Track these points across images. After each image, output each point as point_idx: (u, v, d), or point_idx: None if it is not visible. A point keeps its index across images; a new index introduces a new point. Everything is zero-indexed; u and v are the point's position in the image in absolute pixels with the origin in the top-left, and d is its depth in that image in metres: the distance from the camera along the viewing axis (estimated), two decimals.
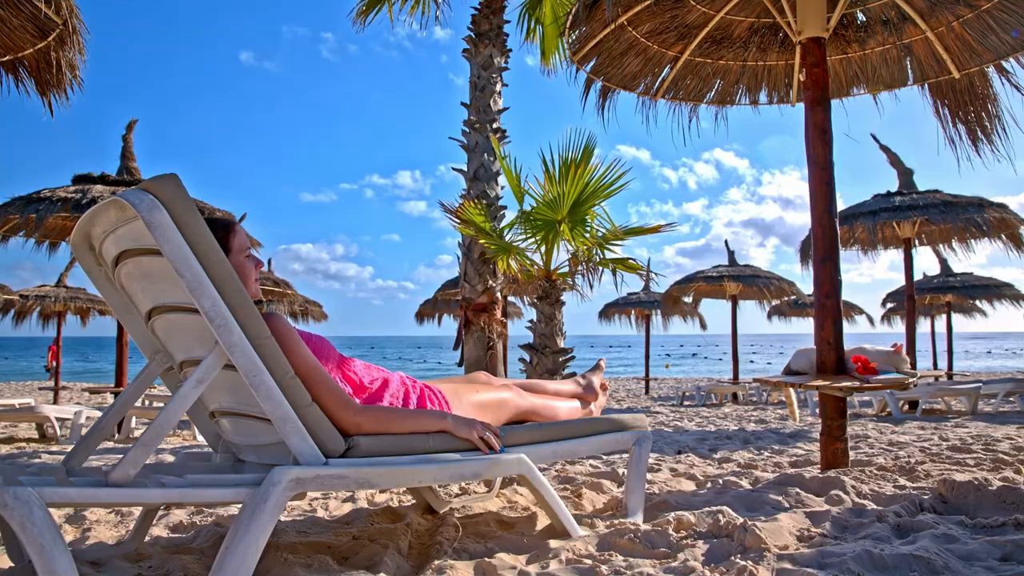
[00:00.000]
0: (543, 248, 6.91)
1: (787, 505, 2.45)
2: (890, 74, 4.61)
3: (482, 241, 6.58)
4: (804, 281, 15.43)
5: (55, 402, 13.25)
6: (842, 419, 3.28)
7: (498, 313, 6.80)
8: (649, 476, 3.30)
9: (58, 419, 6.60)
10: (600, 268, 6.82)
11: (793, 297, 14.78)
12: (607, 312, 18.66)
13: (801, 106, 3.73)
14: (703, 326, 18.22)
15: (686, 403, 12.68)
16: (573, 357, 7.04)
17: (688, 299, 15.79)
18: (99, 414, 6.15)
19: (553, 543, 1.99)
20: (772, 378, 3.57)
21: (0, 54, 4.43)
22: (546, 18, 8.12)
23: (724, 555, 1.86)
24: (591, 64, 4.62)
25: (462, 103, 7.36)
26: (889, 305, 17.05)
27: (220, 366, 1.68)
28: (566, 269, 6.99)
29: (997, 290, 14.92)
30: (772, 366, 40.86)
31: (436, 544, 2.03)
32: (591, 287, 6.93)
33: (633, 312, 18.57)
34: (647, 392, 17.24)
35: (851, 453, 3.88)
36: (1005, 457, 3.72)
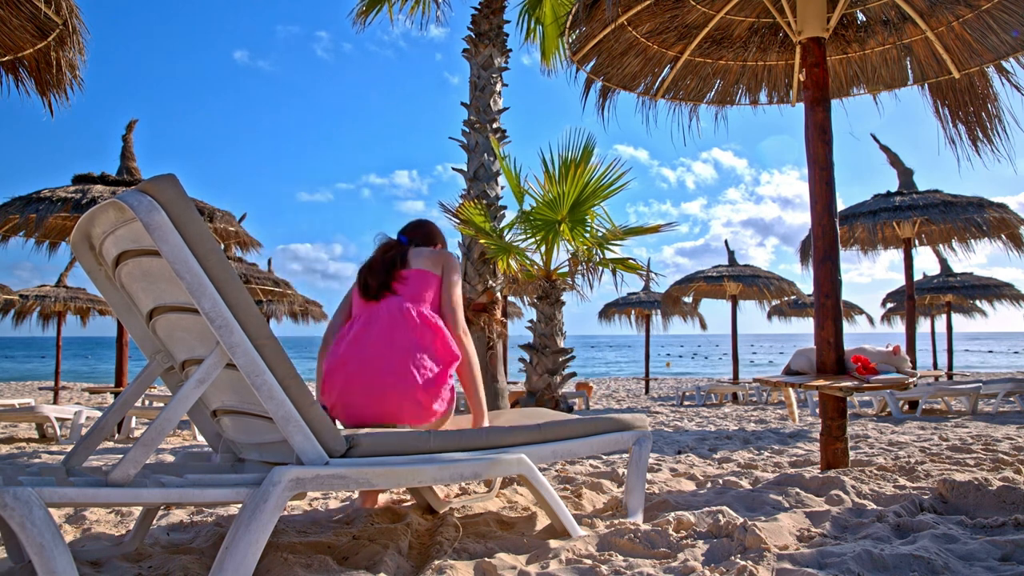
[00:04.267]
0: (543, 248, 6.91)
1: (787, 505, 2.45)
2: (890, 74, 4.61)
3: (482, 241, 6.58)
4: (804, 281, 15.46)
5: (55, 402, 13.26)
6: (842, 419, 3.28)
7: (498, 313, 6.80)
8: (649, 476, 3.30)
9: (58, 419, 6.60)
10: (600, 268, 6.82)
11: (793, 297, 14.78)
12: (607, 312, 18.68)
13: (801, 106, 3.73)
14: (703, 326, 18.24)
15: (686, 403, 12.68)
16: (573, 357, 7.04)
17: (688, 299, 15.80)
18: (99, 414, 6.15)
19: (553, 543, 1.99)
20: (772, 378, 3.57)
21: (0, 54, 4.43)
22: (546, 18, 8.13)
23: (724, 555, 1.86)
24: (591, 64, 4.62)
25: (462, 103, 7.36)
26: (889, 305, 17.05)
27: (222, 366, 1.68)
28: (566, 269, 6.99)
29: (997, 290, 14.93)
30: (772, 366, 40.84)
31: (436, 544, 2.02)
32: (591, 287, 6.93)
33: (633, 312, 18.59)
34: (647, 392, 17.24)
35: (851, 453, 3.88)
36: (1005, 457, 3.72)
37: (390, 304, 2.35)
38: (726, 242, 15.12)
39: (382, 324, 2.31)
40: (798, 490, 2.60)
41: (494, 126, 7.16)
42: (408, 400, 2.23)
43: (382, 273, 2.42)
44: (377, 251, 2.56)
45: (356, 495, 2.91)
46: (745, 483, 3.03)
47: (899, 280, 14.23)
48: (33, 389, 18.73)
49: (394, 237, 2.69)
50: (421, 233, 2.71)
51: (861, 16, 4.40)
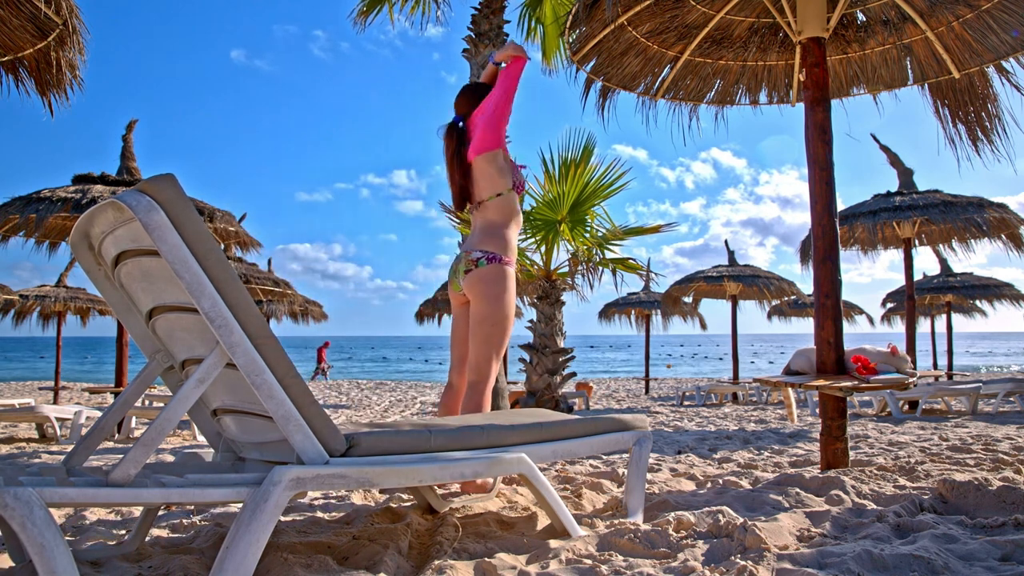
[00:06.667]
0: (543, 248, 6.91)
1: (787, 505, 2.45)
2: (890, 74, 4.61)
3: None
4: (804, 281, 15.45)
5: (55, 402, 13.26)
6: (842, 419, 3.28)
7: None
8: (649, 476, 3.30)
9: (58, 419, 6.60)
10: (600, 268, 6.83)
11: (793, 297, 14.78)
12: (607, 312, 18.68)
13: (801, 106, 3.73)
14: (703, 326, 18.23)
15: (686, 403, 12.68)
16: (573, 357, 7.04)
17: (688, 299, 15.80)
18: (99, 414, 6.15)
19: (553, 543, 1.99)
20: (772, 378, 3.57)
21: (0, 54, 4.43)
22: (546, 18, 8.12)
23: (724, 555, 1.86)
24: (591, 64, 4.62)
25: None
26: (889, 305, 17.05)
27: (222, 366, 1.68)
28: (566, 269, 6.99)
29: (997, 290, 14.93)
30: (772, 366, 40.85)
31: (436, 544, 2.02)
32: (591, 287, 6.95)
33: (633, 312, 18.59)
34: (647, 392, 17.24)
35: (851, 453, 3.88)
36: (1005, 457, 3.72)
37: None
38: (726, 242, 15.12)
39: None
40: (798, 490, 2.60)
41: None
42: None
43: (458, 199, 3.16)
44: (446, 164, 3.14)
45: (358, 494, 2.91)
46: (745, 483, 3.03)
47: (899, 280, 14.25)
48: (33, 389, 18.72)
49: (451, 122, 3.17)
50: (465, 103, 3.15)
51: (861, 16, 4.40)
